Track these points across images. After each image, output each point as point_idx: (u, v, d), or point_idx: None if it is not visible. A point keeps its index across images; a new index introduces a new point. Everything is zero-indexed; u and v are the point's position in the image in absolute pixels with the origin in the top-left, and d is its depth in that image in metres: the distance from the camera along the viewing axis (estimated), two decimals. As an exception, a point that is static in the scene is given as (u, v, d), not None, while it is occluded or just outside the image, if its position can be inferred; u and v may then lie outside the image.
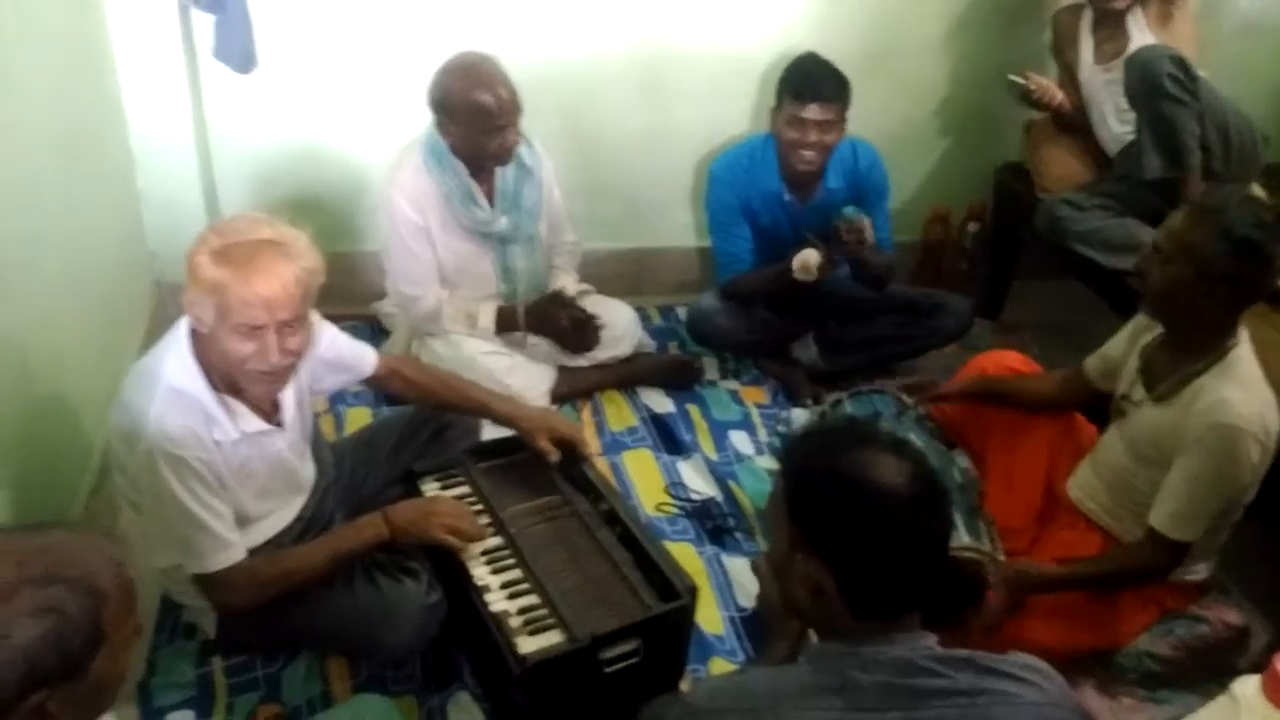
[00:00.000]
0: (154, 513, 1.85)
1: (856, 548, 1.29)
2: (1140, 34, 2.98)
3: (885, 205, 3.13)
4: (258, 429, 1.93)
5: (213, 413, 1.85)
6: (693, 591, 1.97)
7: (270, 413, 1.97)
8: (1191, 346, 2.03)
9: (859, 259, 2.94)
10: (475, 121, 2.60)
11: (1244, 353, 2.02)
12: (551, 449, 2.21)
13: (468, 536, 2.02)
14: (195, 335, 1.85)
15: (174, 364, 1.84)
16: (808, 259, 2.89)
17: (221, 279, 1.73)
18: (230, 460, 1.90)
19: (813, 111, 2.83)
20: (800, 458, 1.39)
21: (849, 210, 2.88)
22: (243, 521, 1.96)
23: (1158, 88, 2.69)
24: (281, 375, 1.90)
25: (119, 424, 1.86)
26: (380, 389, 2.40)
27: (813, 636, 1.85)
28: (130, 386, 1.88)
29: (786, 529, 1.34)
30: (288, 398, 2.01)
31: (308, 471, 2.17)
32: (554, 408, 2.91)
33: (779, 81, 2.93)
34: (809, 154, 2.90)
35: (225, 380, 1.87)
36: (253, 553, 1.94)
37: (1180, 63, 2.69)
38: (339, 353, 2.13)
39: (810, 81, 2.84)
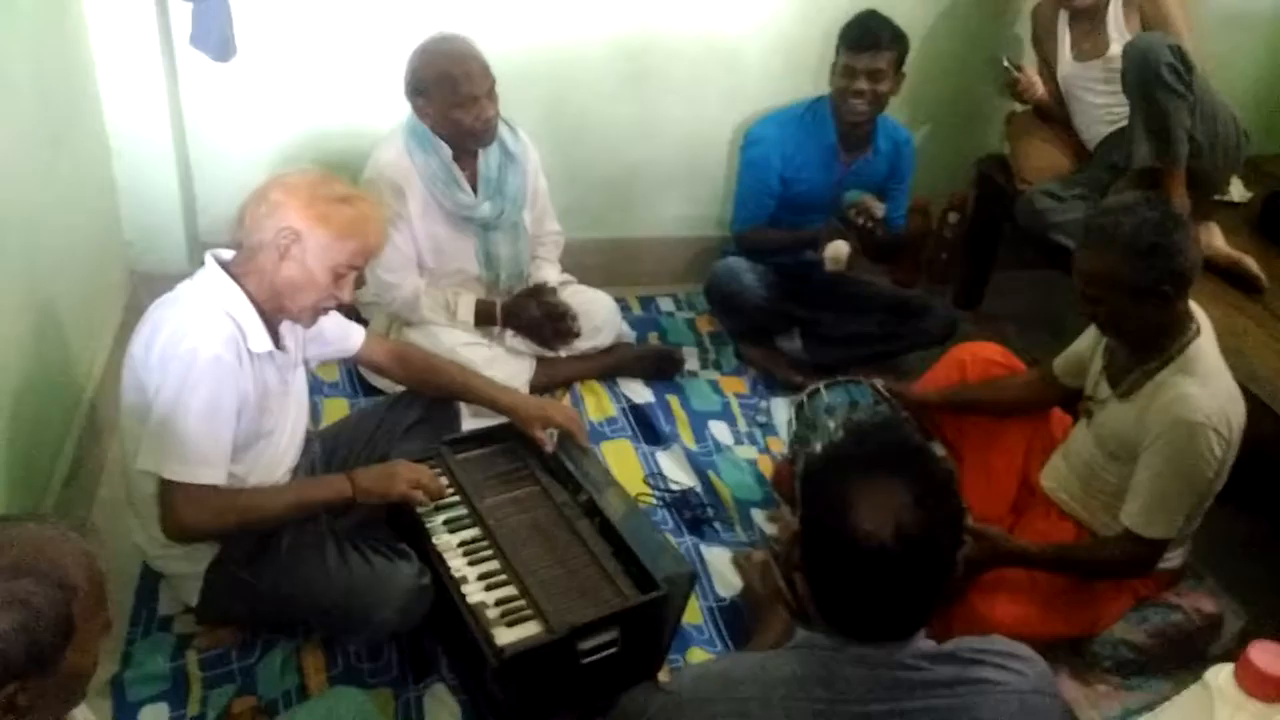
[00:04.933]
0: (163, 411, 1.86)
1: (826, 572, 1.30)
2: (1119, 35, 2.98)
3: (908, 184, 3.26)
4: (278, 353, 2.03)
5: (251, 325, 1.95)
6: (691, 578, 1.98)
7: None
8: (1151, 345, 2.04)
9: (870, 237, 3.00)
10: (445, 93, 2.59)
11: (1204, 343, 2.02)
12: (546, 439, 2.24)
13: (430, 493, 2.08)
14: (228, 271, 1.95)
15: (213, 287, 1.94)
16: (839, 250, 2.96)
17: (350, 227, 1.93)
18: (257, 376, 1.96)
19: (864, 60, 2.92)
20: (825, 452, 1.38)
21: (852, 194, 2.98)
22: (255, 438, 2.01)
23: (1155, 76, 2.68)
24: (327, 312, 2.07)
25: (153, 343, 1.89)
26: (374, 370, 2.45)
27: (796, 630, 1.87)
28: (168, 309, 1.94)
29: (798, 518, 1.35)
30: (289, 342, 2.09)
31: (303, 421, 2.21)
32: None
33: (839, 36, 2.99)
34: (858, 104, 2.98)
35: (257, 307, 1.97)
36: None
37: (1179, 53, 2.68)
38: (319, 324, 2.13)
39: (862, 31, 2.94)
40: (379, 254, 2.09)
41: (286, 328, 2.07)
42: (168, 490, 1.89)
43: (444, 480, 2.18)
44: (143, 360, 1.90)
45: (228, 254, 2.00)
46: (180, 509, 1.90)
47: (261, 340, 1.96)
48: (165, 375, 1.86)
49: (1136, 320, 2.00)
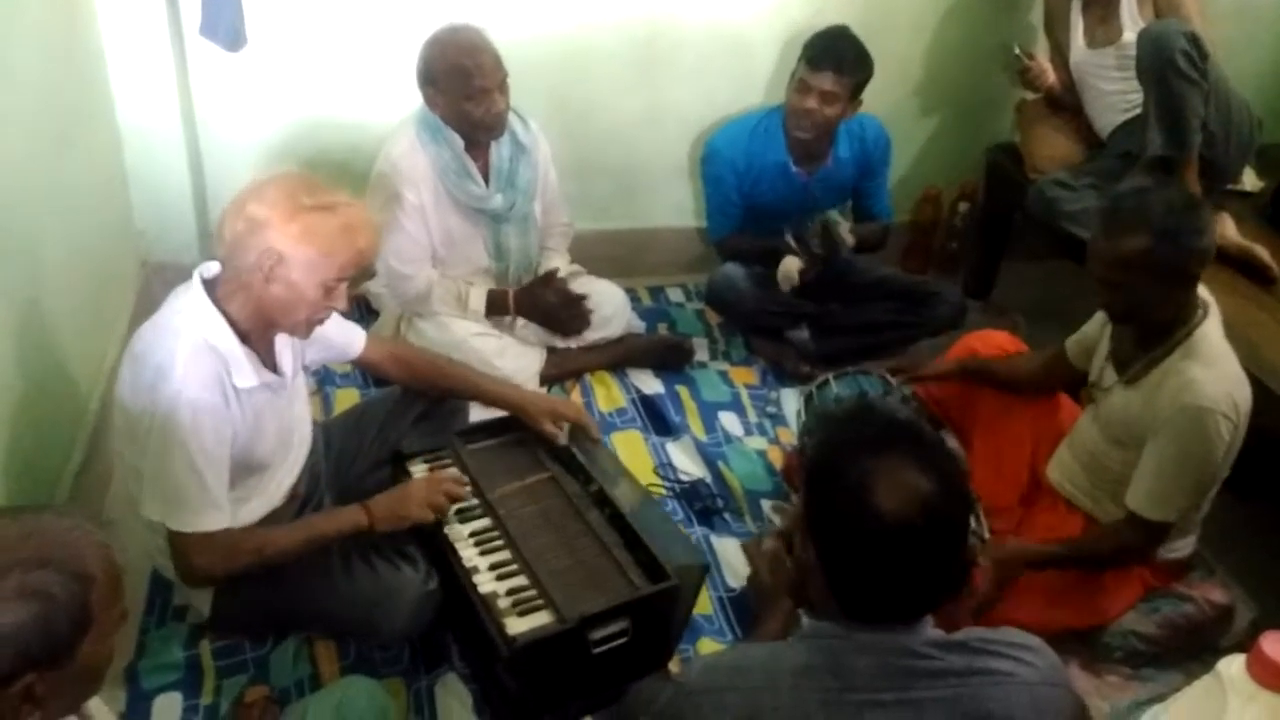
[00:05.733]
0: (157, 462, 1.83)
1: (847, 557, 1.28)
2: (1133, 22, 2.96)
3: (886, 175, 3.25)
4: (270, 379, 1.95)
5: (237, 360, 1.87)
6: (704, 568, 1.98)
7: (273, 370, 1.99)
8: (1157, 331, 2.03)
9: (818, 265, 3.02)
10: (456, 85, 2.59)
11: (1210, 328, 2.02)
12: (557, 432, 2.24)
13: (445, 504, 2.05)
14: (211, 291, 1.87)
15: (196, 316, 1.85)
16: (789, 269, 2.99)
17: (335, 239, 1.82)
18: (246, 408, 1.91)
19: (819, 80, 2.88)
20: (826, 441, 1.36)
21: (832, 215, 2.98)
22: (250, 471, 1.98)
23: (1170, 63, 2.66)
24: (322, 322, 1.98)
25: (138, 379, 1.84)
26: (376, 374, 2.39)
27: (803, 617, 1.87)
28: (149, 341, 1.87)
29: (801, 502, 1.34)
30: (286, 358, 2.03)
31: (308, 427, 2.19)
32: (543, 389, 2.91)
33: (803, 45, 2.95)
34: (804, 122, 2.94)
35: (243, 333, 1.89)
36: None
37: (1194, 40, 2.67)
38: (321, 328, 2.11)
39: (826, 50, 2.88)
40: (371, 259, 1.97)
41: (283, 338, 2.03)
42: (178, 541, 1.88)
43: (456, 475, 2.18)
44: (130, 400, 1.86)
45: (215, 267, 1.92)
46: (193, 557, 1.89)
47: (246, 375, 1.89)
48: (153, 421, 1.80)
49: (1159, 304, 1.98)
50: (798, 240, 2.98)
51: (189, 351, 1.81)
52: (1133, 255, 1.92)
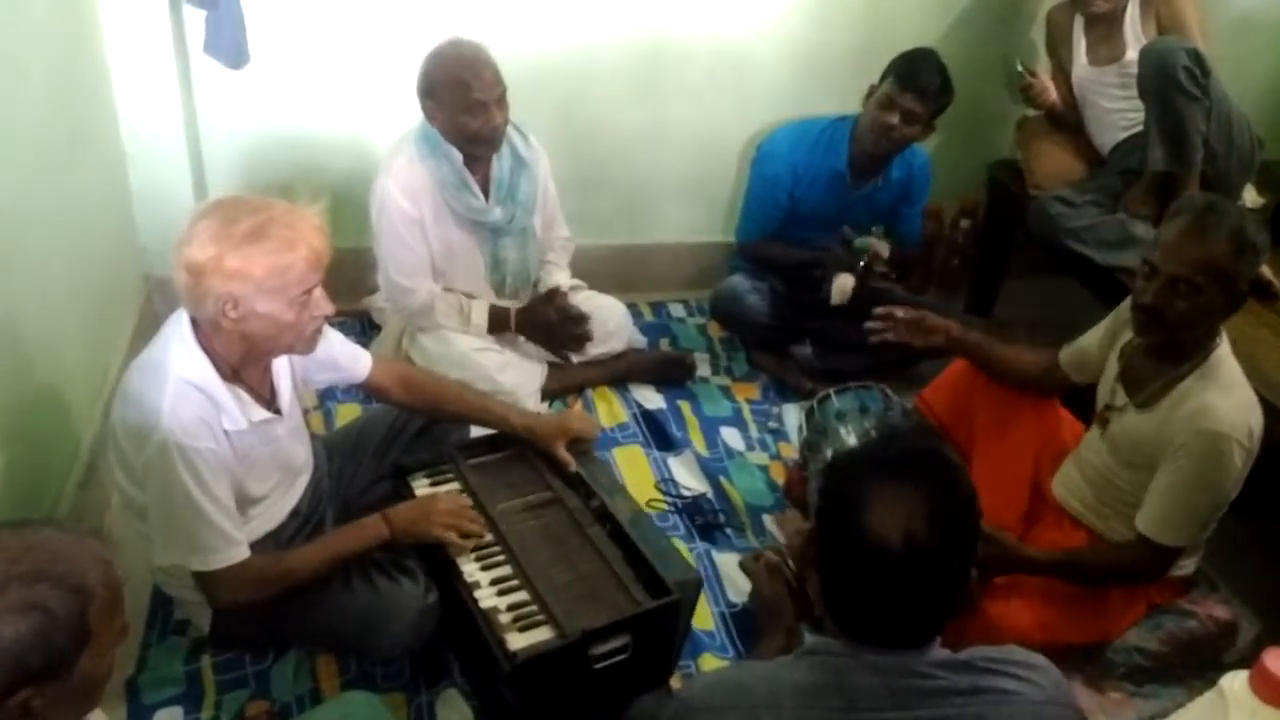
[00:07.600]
0: (161, 510, 1.83)
1: (837, 573, 1.29)
2: (1136, 40, 2.98)
3: (922, 204, 3.29)
4: (262, 418, 1.93)
5: (224, 403, 1.85)
6: (698, 584, 1.97)
7: (269, 399, 1.98)
8: (1175, 353, 2.02)
9: (867, 282, 3.05)
10: (455, 98, 2.59)
11: (1224, 353, 2.01)
12: (569, 459, 2.22)
13: (469, 534, 2.03)
14: (198, 327, 1.84)
15: (181, 357, 1.82)
16: (845, 285, 3.02)
17: (277, 259, 1.74)
18: (237, 449, 1.89)
19: (905, 99, 2.90)
20: (848, 455, 1.38)
21: (861, 242, 3.02)
22: (246, 504, 1.97)
23: (1172, 81, 2.67)
24: (320, 330, 1.92)
25: (126, 421, 1.84)
26: (382, 398, 2.33)
27: (805, 634, 1.87)
28: (137, 382, 1.85)
29: (815, 514, 1.35)
30: (283, 384, 2.02)
31: (304, 455, 2.17)
32: (545, 404, 2.91)
33: (890, 63, 2.97)
34: (883, 138, 2.97)
35: (231, 370, 1.87)
36: (252, 548, 1.93)
37: (1196, 57, 2.67)
38: (329, 350, 2.10)
39: (915, 72, 2.91)
40: (328, 251, 1.84)
41: (280, 362, 2.01)
42: (203, 580, 1.89)
43: (458, 490, 2.19)
44: (123, 438, 1.86)
45: None
46: (219, 592, 1.91)
47: (235, 418, 1.86)
48: (146, 467, 1.80)
49: (1210, 318, 1.96)
50: (846, 248, 3.03)
51: (174, 398, 1.78)
52: (1220, 260, 1.88)
